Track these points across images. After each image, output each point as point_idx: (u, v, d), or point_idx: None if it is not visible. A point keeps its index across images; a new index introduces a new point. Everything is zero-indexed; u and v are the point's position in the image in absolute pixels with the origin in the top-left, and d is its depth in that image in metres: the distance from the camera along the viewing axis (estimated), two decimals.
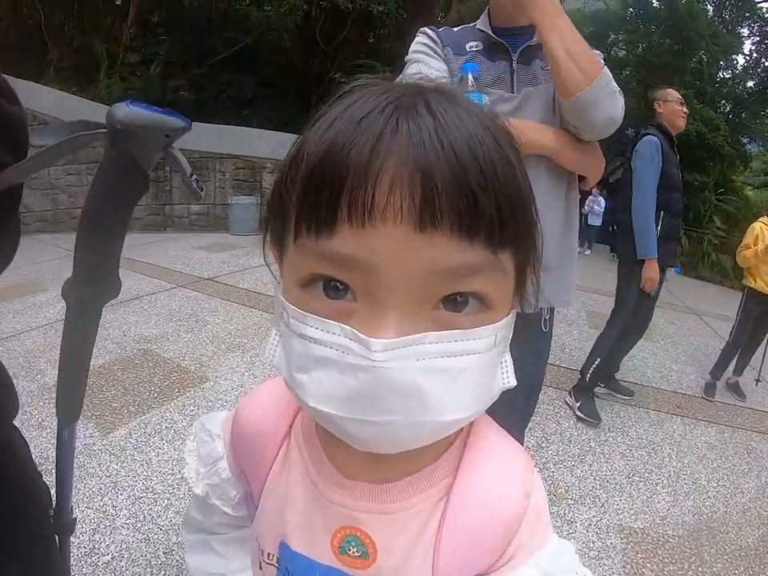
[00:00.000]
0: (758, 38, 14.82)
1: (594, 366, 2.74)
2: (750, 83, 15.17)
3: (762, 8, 14.51)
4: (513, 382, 0.37)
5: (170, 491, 1.80)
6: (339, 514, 0.40)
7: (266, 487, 0.45)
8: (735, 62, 15.12)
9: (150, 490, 1.79)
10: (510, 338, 0.37)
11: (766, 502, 2.24)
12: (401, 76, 1.06)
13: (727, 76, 15.30)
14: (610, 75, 0.96)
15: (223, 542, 0.55)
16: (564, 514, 1.95)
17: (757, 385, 3.47)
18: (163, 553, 1.54)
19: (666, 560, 1.80)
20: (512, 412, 1.21)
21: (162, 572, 1.48)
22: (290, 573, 0.43)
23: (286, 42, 11.30)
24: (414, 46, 1.11)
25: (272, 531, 0.44)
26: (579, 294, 5.94)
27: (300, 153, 0.31)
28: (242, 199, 7.12)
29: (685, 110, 2.64)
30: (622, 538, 1.86)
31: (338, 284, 0.30)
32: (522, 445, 1.41)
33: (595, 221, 10.08)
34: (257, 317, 3.74)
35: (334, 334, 0.30)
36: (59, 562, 0.65)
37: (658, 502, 2.12)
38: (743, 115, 15.13)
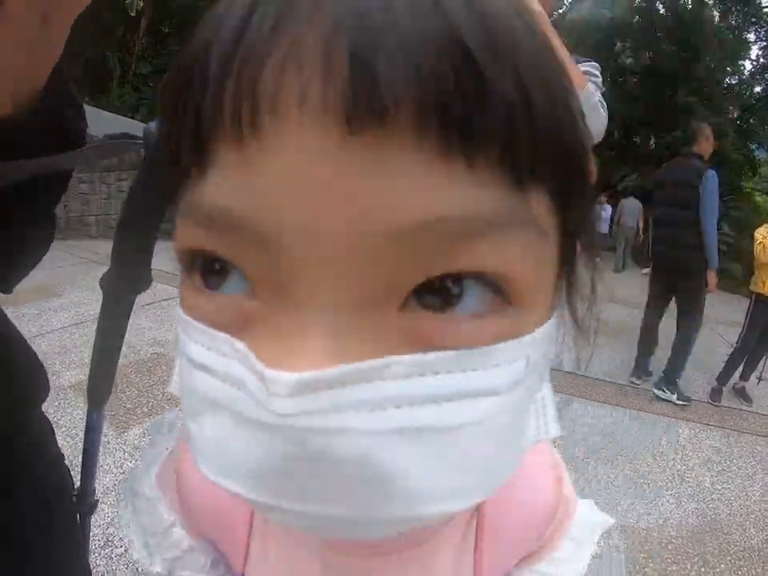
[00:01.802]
0: (765, 44, 14.78)
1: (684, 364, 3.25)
2: (758, 88, 15.12)
3: None
4: (554, 432, 0.22)
5: None
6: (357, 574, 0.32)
7: (250, 569, 0.34)
8: (742, 68, 15.10)
9: None
10: (551, 357, 0.22)
11: None
12: None
13: (734, 82, 15.27)
14: (594, 90, 1.01)
15: None
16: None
17: (759, 383, 3.49)
18: None
19: (669, 560, 1.83)
20: None
21: None
22: None
23: None
24: None
25: None
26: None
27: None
28: None
29: None
30: (625, 539, 1.89)
31: (221, 264, 0.18)
32: None
33: (602, 227, 10.11)
34: None
35: (224, 355, 0.18)
36: (81, 541, 0.70)
37: (662, 504, 2.15)
38: (751, 121, 15.07)
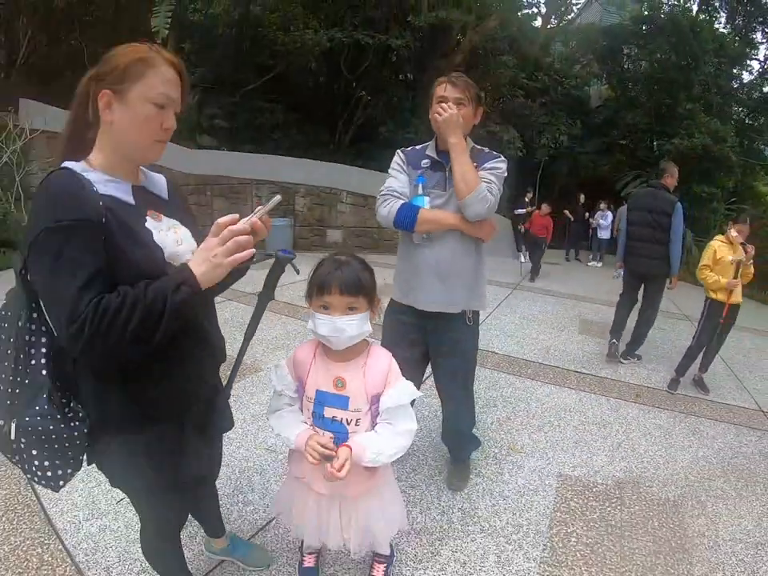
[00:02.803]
0: None
1: (643, 340, 4.40)
2: (767, 89, 15.21)
3: None
4: (368, 329, 1.31)
5: (240, 438, 2.61)
6: (335, 372, 1.35)
7: (310, 376, 1.37)
8: (749, 69, 15.20)
9: (225, 437, 2.53)
10: (368, 317, 1.31)
11: (696, 471, 2.62)
12: (383, 186, 1.80)
13: (745, 81, 15.36)
14: (484, 188, 1.66)
15: (289, 411, 1.43)
16: (516, 461, 2.56)
17: (693, 382, 3.87)
18: (238, 471, 2.31)
19: (591, 498, 2.29)
20: (454, 378, 1.97)
21: (240, 481, 2.25)
22: (318, 402, 1.36)
23: (312, 63, 11.96)
24: (392, 164, 1.85)
25: (313, 387, 1.36)
26: (577, 303, 6.45)
27: (314, 277, 1.29)
28: (277, 221, 7.57)
29: None
30: (558, 482, 2.40)
31: (326, 306, 1.26)
32: (474, 408, 2.18)
33: (604, 234, 10.55)
34: (296, 324, 4.51)
35: (325, 317, 1.26)
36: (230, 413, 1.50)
37: (596, 461, 2.62)
38: (762, 121, 15.18)
